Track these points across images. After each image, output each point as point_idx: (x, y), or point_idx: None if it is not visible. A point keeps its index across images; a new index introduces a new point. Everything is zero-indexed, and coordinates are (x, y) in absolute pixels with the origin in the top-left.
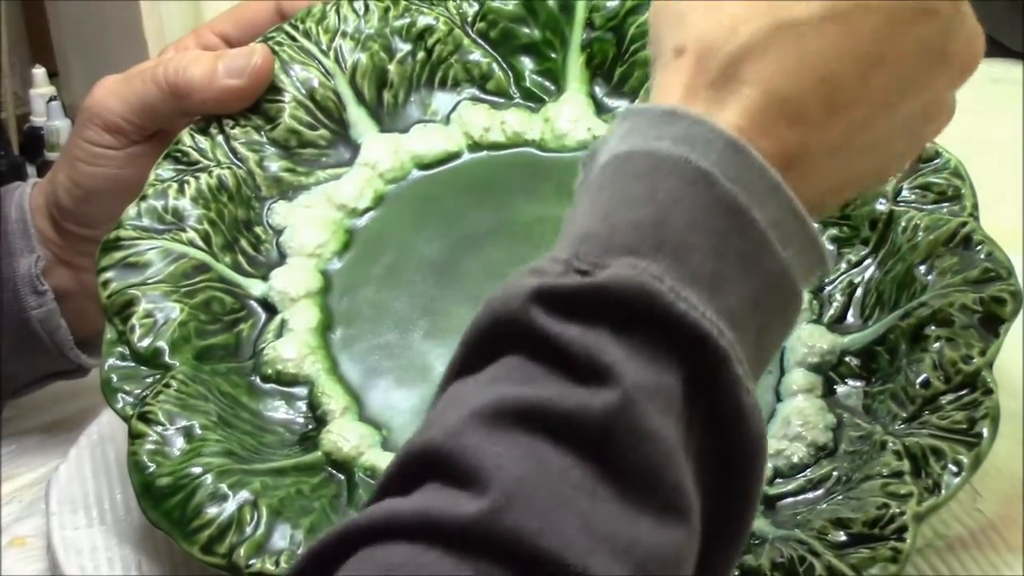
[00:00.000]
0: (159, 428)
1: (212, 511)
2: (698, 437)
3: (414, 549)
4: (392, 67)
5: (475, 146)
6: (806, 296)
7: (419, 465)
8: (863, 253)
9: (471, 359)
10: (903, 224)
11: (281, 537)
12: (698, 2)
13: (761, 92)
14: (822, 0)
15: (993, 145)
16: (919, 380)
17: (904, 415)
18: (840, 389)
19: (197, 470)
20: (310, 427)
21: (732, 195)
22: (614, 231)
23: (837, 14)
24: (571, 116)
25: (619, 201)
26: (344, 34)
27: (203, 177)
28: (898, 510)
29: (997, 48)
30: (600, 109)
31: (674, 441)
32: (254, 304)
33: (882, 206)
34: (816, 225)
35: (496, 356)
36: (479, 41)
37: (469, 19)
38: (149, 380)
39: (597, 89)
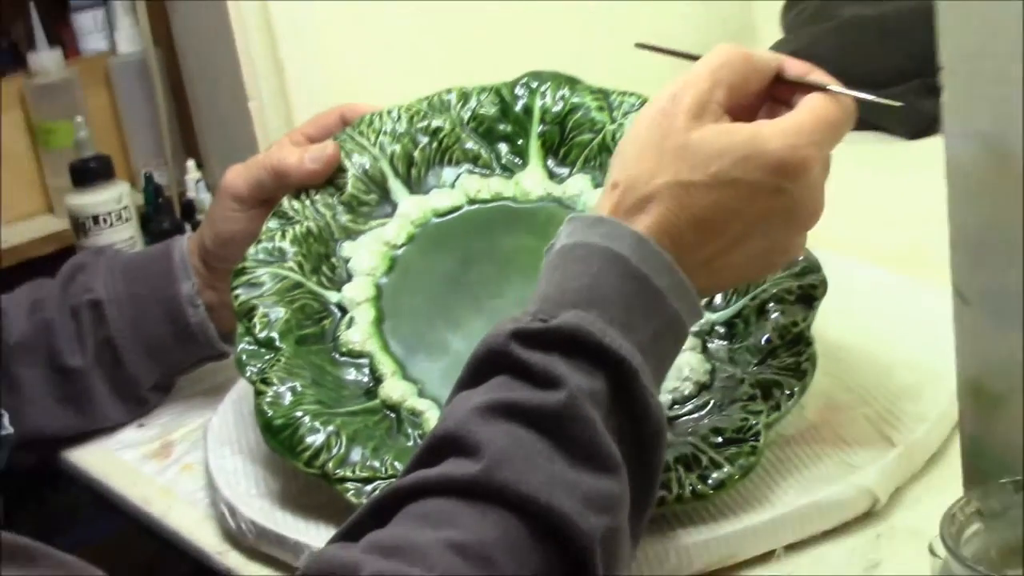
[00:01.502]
0: (274, 387)
1: (310, 439)
2: (618, 425)
3: (439, 501)
4: (416, 153)
5: (472, 201)
6: None
7: (441, 444)
8: None
9: (474, 376)
10: None
11: (356, 455)
12: (637, 153)
13: (654, 219)
14: (711, 170)
15: (868, 190)
16: (764, 339)
17: (755, 361)
18: (712, 346)
19: (299, 413)
20: (371, 384)
21: (638, 269)
22: (564, 294)
23: (717, 183)
24: (533, 181)
25: (566, 275)
26: (385, 132)
27: (297, 227)
28: (754, 421)
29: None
30: (551, 175)
31: (603, 425)
32: (333, 307)
33: None
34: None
35: (489, 374)
36: (472, 134)
37: (465, 121)
38: (267, 357)
39: (549, 162)
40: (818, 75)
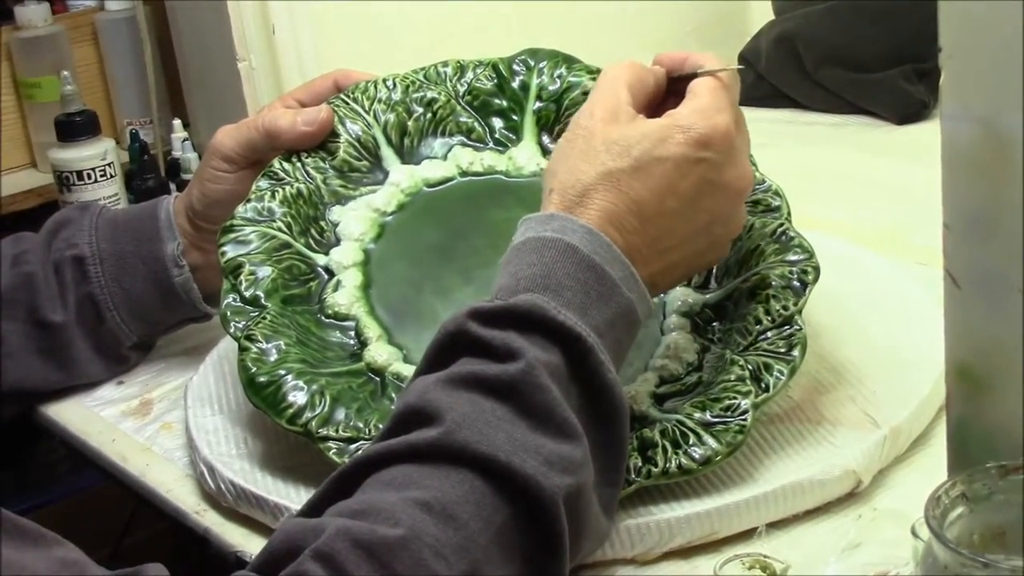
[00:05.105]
0: (259, 344)
1: (293, 397)
2: (577, 399)
3: (402, 467)
4: (410, 123)
5: (463, 173)
6: None
7: (402, 417)
8: None
9: (433, 361)
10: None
11: (340, 414)
12: (565, 163)
13: (596, 211)
14: (630, 157)
15: (800, 162)
16: (754, 321)
17: (744, 343)
18: (702, 327)
19: (283, 371)
20: (356, 347)
21: (591, 258)
22: (519, 282)
23: (642, 165)
24: (526, 156)
25: (520, 266)
26: (380, 100)
27: (287, 188)
28: (742, 402)
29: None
30: (544, 152)
31: (560, 394)
32: (320, 270)
33: None
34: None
35: (449, 357)
36: (467, 108)
37: (460, 94)
38: (252, 315)
39: (544, 138)
40: (693, 59)
